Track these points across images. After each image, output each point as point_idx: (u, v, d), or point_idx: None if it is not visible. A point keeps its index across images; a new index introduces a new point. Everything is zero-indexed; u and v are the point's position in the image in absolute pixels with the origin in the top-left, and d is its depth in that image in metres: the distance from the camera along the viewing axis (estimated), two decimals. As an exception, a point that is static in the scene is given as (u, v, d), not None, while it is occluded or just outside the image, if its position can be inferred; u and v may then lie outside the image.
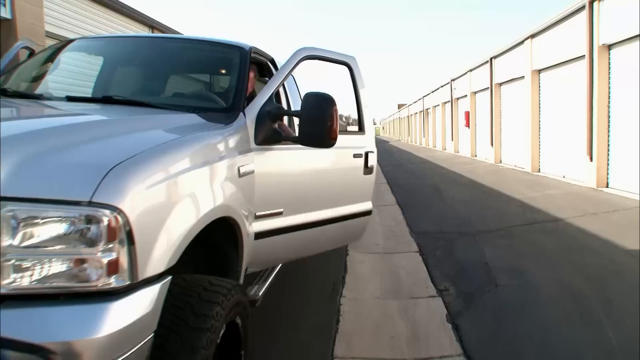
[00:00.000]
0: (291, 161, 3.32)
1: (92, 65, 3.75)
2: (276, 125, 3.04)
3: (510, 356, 3.45)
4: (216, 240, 2.72)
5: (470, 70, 22.93)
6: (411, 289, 4.92)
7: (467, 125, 24.03)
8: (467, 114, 23.94)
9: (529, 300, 4.42)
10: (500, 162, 19.10)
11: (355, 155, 3.93)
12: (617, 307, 4.18)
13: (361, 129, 4.07)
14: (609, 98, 10.78)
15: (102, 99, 2.96)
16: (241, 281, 2.91)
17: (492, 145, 19.62)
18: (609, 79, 10.77)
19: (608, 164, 10.89)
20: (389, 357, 3.49)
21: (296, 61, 3.22)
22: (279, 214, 3.22)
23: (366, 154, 4.00)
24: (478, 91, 22.38)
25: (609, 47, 10.73)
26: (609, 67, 10.76)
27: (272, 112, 3.00)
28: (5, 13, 7.34)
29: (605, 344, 3.52)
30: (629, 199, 9.29)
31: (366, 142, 4.06)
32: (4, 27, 7.41)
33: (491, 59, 19.14)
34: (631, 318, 3.89)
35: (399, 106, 73.12)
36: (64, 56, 3.68)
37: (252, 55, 3.62)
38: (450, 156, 25.66)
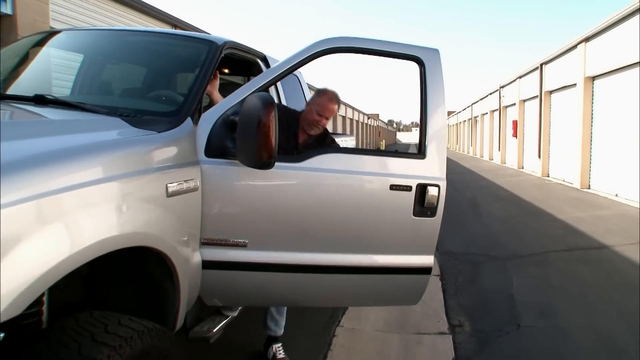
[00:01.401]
0: (257, 181, 2.53)
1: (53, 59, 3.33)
2: (233, 135, 2.45)
3: None
4: (148, 270, 2.25)
5: (520, 77, 21.81)
6: (420, 322, 4.31)
7: (515, 135, 22.89)
8: (515, 123, 22.80)
9: (554, 352, 3.70)
10: (548, 175, 17.94)
11: (394, 188, 2.70)
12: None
13: (421, 152, 2.74)
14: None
15: (33, 97, 2.48)
16: (179, 320, 2.38)
17: (539, 157, 18.47)
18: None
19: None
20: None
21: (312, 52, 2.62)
22: (242, 245, 2.55)
23: (421, 187, 2.69)
24: (527, 99, 21.25)
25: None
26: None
27: (226, 118, 2.45)
28: (6, 8, 7.09)
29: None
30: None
31: (425, 171, 2.74)
32: (5, 23, 7.16)
33: (541, 64, 18.04)
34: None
35: (448, 113, 71.55)
36: (18, 49, 3.28)
37: (229, 52, 3.09)
38: (496, 167, 24.56)
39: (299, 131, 3.11)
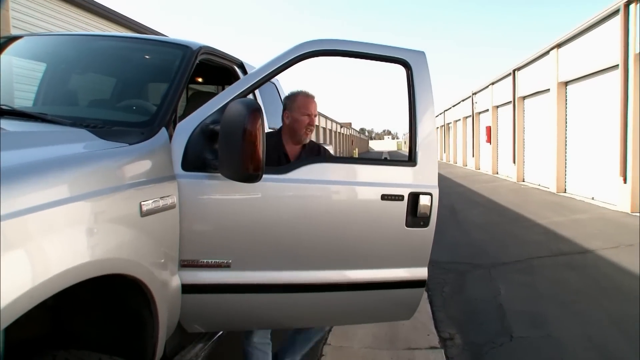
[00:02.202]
0: (255, 196, 2.35)
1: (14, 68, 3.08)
2: (212, 146, 2.25)
3: None
4: (122, 298, 2.02)
5: (492, 83, 22.03)
6: (409, 336, 4.14)
7: (489, 140, 23.06)
8: (489, 129, 22.98)
9: (552, 363, 3.57)
10: (523, 180, 18.07)
11: (385, 198, 2.56)
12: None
13: (412, 159, 2.62)
14: (646, 113, 9.78)
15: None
16: (159, 350, 2.15)
17: (514, 162, 18.61)
18: (645, 91, 9.78)
19: (645, 186, 9.87)
20: None
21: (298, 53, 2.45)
22: (226, 265, 2.35)
23: (413, 196, 2.57)
24: (500, 105, 21.46)
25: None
26: (646, 78, 9.77)
27: (204, 128, 2.24)
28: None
29: None
30: (667, 227, 8.28)
31: (416, 179, 2.62)
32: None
33: (514, 70, 18.22)
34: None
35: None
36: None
37: (205, 57, 2.89)
38: (471, 173, 24.69)
39: (286, 149, 2.91)
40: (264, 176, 2.10)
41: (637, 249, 6.88)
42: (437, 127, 45.08)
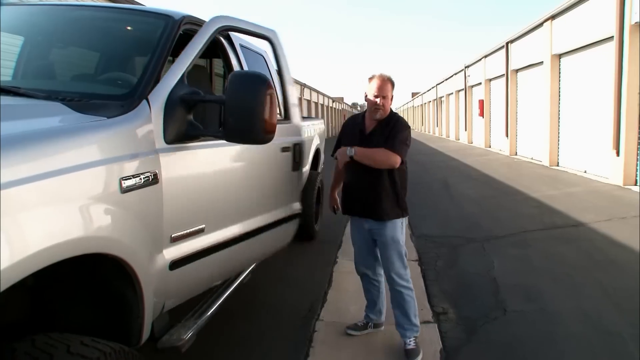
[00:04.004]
0: (212, 163, 2.61)
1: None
2: (191, 117, 2.21)
3: None
4: (105, 278, 1.95)
5: (485, 57, 21.83)
6: (403, 311, 4.07)
7: (482, 114, 22.98)
8: (482, 103, 22.87)
9: (544, 337, 3.54)
10: (516, 154, 18.05)
11: (283, 149, 3.51)
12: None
13: (287, 117, 3.74)
14: (640, 85, 9.69)
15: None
16: (146, 331, 2.09)
17: (507, 136, 18.56)
18: (641, 62, 9.66)
19: (638, 160, 9.83)
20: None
21: (210, 32, 2.61)
22: (200, 231, 2.46)
23: (295, 146, 3.70)
24: (493, 78, 21.30)
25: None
26: (642, 49, 9.64)
27: (186, 100, 2.18)
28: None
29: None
30: (661, 200, 8.27)
31: (292, 132, 3.81)
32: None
33: (507, 43, 18.04)
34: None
35: (413, 94, 71.83)
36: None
37: (188, 27, 2.77)
38: (464, 147, 24.66)
39: (364, 125, 3.33)
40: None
41: (630, 221, 6.88)
42: (430, 102, 44.92)
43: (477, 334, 3.64)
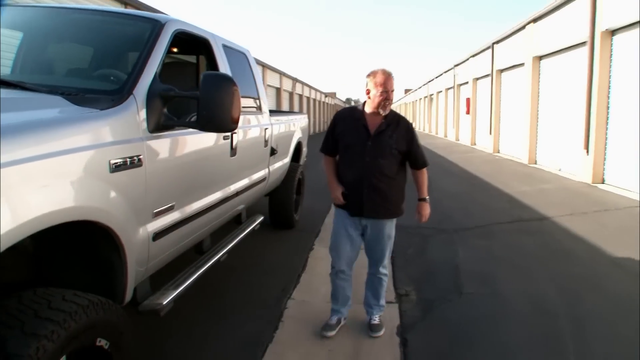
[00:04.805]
0: (185, 148, 3.02)
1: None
2: (165, 110, 2.62)
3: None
4: (97, 247, 2.31)
5: (473, 56, 22.25)
6: (369, 293, 4.45)
7: (468, 112, 23.41)
8: (468, 101, 23.30)
9: (491, 315, 3.94)
10: (499, 151, 18.51)
11: (225, 138, 3.78)
12: (585, 325, 3.70)
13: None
14: (609, 88, 10.13)
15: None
16: (128, 293, 2.46)
17: (490, 134, 19.01)
18: (610, 67, 10.10)
19: (605, 159, 10.29)
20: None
21: (168, 36, 3.00)
22: (177, 206, 2.89)
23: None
24: (479, 78, 21.73)
25: (612, 32, 10.04)
26: (611, 55, 10.09)
27: (163, 95, 2.59)
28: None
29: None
30: (624, 198, 8.73)
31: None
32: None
33: (493, 44, 18.46)
34: (597, 344, 3.42)
35: (406, 91, 72.10)
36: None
37: (178, 31, 3.13)
38: (450, 144, 25.10)
39: (367, 120, 3.34)
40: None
41: (590, 216, 7.32)
42: (421, 98, 45.30)
43: (432, 313, 4.03)
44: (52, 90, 2.36)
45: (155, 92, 2.60)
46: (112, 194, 2.18)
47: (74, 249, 2.29)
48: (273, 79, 27.70)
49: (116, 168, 2.20)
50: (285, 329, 3.71)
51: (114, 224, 2.17)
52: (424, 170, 3.53)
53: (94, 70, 2.98)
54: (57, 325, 1.71)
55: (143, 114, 2.50)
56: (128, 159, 2.29)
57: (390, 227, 3.51)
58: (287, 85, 31.97)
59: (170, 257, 3.02)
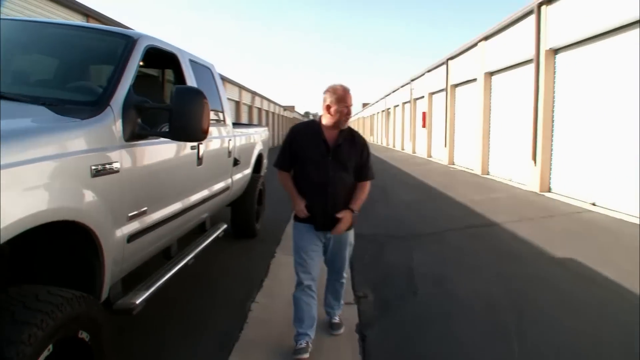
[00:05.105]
0: (157, 157, 3.23)
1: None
2: (139, 120, 2.84)
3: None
4: (76, 247, 2.46)
5: (429, 71, 23.01)
6: (329, 296, 4.69)
7: (424, 125, 24.14)
8: (424, 115, 24.04)
9: (443, 312, 4.25)
10: (453, 163, 19.18)
11: (192, 147, 3.96)
12: (536, 323, 4.04)
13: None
14: (554, 103, 10.81)
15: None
16: (104, 292, 2.62)
17: (445, 146, 19.70)
18: (554, 84, 10.79)
19: (551, 169, 10.93)
20: (284, 369, 3.27)
21: (141, 51, 3.21)
22: (150, 211, 3.08)
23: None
24: (435, 92, 22.49)
25: (556, 51, 10.74)
26: (555, 72, 10.78)
27: (138, 106, 2.80)
28: None
29: (508, 360, 3.36)
30: (568, 205, 9.32)
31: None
32: None
33: (447, 60, 19.20)
34: (537, 334, 3.77)
35: (364, 105, 73.21)
36: None
37: (146, 45, 3.33)
38: (407, 156, 25.75)
39: (325, 135, 3.37)
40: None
41: (536, 222, 7.81)
42: (379, 112, 46.19)
43: (389, 312, 4.30)
44: (33, 100, 2.52)
45: (130, 104, 2.79)
46: (93, 197, 2.35)
47: (53, 250, 2.44)
48: (232, 93, 27.78)
49: (97, 173, 2.37)
50: (250, 329, 3.89)
51: (94, 225, 2.34)
52: (368, 183, 3.54)
53: (71, 82, 3.13)
54: (45, 315, 1.86)
55: (119, 124, 2.68)
56: (107, 165, 2.47)
57: (351, 235, 3.63)
58: (246, 98, 32.10)
59: (142, 259, 3.18)
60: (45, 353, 1.87)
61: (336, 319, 3.87)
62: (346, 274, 3.80)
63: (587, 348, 3.54)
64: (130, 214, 2.79)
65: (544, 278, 5.08)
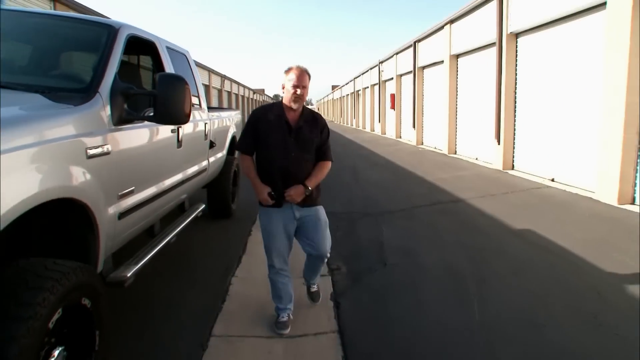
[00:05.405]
0: (143, 139, 3.48)
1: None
2: (126, 105, 3.06)
3: (378, 333, 3.57)
4: (73, 223, 2.68)
5: (397, 53, 23.31)
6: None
7: (393, 107, 24.52)
8: (393, 97, 24.41)
9: (411, 280, 4.59)
10: (422, 144, 19.64)
11: (172, 131, 4.17)
12: (492, 286, 4.42)
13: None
14: (516, 85, 11.26)
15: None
16: (100, 263, 2.85)
17: (414, 127, 20.12)
18: (516, 66, 11.22)
19: (514, 148, 11.42)
20: (265, 335, 3.54)
21: (123, 39, 3.43)
22: (137, 190, 3.32)
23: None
24: (403, 74, 22.83)
25: (517, 35, 11.16)
26: (517, 55, 11.20)
27: (124, 92, 3.00)
28: None
29: (471, 321, 3.72)
30: (528, 181, 9.82)
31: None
32: None
33: (415, 42, 19.51)
34: (496, 297, 4.15)
35: (333, 87, 73.37)
36: None
37: (130, 35, 3.52)
38: (377, 138, 26.13)
39: (287, 117, 3.41)
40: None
41: (498, 197, 8.25)
42: (348, 94, 46.43)
43: (360, 281, 4.62)
44: (27, 88, 2.71)
45: (116, 90, 3.00)
46: (88, 177, 2.57)
47: (51, 228, 2.66)
48: (202, 76, 27.65)
49: (91, 155, 2.59)
50: (231, 301, 4.16)
51: (90, 202, 2.56)
52: (328, 163, 3.60)
53: (59, 70, 3.30)
54: (55, 282, 2.09)
55: (108, 109, 2.89)
56: (100, 148, 2.68)
57: (322, 212, 3.63)
58: (216, 82, 31.99)
59: (131, 235, 3.41)
60: (56, 316, 2.10)
61: (314, 287, 4.06)
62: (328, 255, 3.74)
63: (536, 305, 3.94)
64: (119, 193, 3.01)
65: (503, 247, 5.49)
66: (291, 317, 3.70)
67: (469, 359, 3.18)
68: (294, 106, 3.36)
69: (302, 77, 3.34)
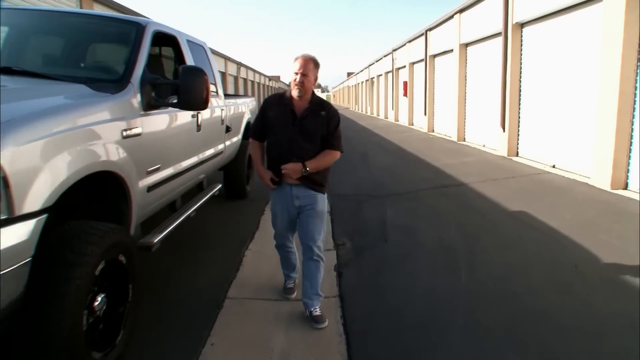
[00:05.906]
0: (168, 123, 3.93)
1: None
2: (153, 93, 3.51)
3: (373, 297, 4.03)
4: (110, 194, 3.16)
5: (409, 42, 23.51)
6: (312, 244, 5.44)
7: (405, 94, 24.75)
8: (405, 84, 24.63)
9: (408, 254, 5.03)
10: (433, 130, 19.93)
11: (192, 116, 4.60)
12: (480, 259, 4.85)
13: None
14: (521, 74, 11.54)
15: (2, 69, 3.24)
16: (132, 228, 3.34)
17: (425, 114, 20.40)
18: (521, 55, 11.50)
19: (518, 135, 11.74)
20: (274, 298, 4.02)
21: (149, 34, 3.86)
22: (163, 167, 3.80)
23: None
24: (415, 62, 23.02)
25: (522, 25, 11.42)
26: (521, 45, 11.48)
27: (152, 82, 3.46)
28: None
29: (458, 288, 4.16)
30: (530, 167, 10.16)
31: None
32: None
33: (426, 31, 19.73)
34: (482, 268, 4.58)
35: (348, 74, 73.39)
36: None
37: (155, 31, 3.98)
38: (389, 124, 26.42)
39: (294, 105, 3.40)
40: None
41: (500, 182, 8.63)
42: (363, 82, 46.56)
43: (363, 255, 5.07)
44: (74, 80, 3.19)
45: (145, 80, 3.47)
46: (124, 154, 3.04)
47: (95, 198, 3.13)
48: (218, 64, 28.09)
49: (126, 136, 3.07)
50: (245, 270, 4.63)
51: (125, 175, 3.04)
52: (334, 153, 3.49)
53: (95, 63, 3.79)
54: (99, 238, 2.57)
55: (138, 97, 3.36)
56: (133, 130, 3.16)
57: (322, 202, 3.57)
58: (232, 69, 32.44)
59: (157, 207, 3.91)
60: (101, 266, 2.59)
61: (317, 311, 3.60)
62: (322, 254, 3.63)
63: (517, 275, 4.38)
64: (148, 169, 3.49)
65: (496, 227, 5.90)
66: (297, 283, 4.07)
67: (451, 318, 3.62)
68: (295, 94, 3.33)
69: (305, 64, 3.29)
